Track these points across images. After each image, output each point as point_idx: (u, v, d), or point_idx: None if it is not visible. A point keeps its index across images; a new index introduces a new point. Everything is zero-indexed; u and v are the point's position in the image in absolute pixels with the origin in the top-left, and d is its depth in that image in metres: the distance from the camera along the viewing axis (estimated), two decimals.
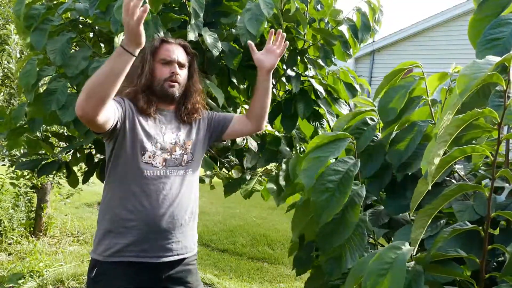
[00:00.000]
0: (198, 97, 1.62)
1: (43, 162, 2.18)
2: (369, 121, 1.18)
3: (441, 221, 0.99)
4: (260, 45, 2.01)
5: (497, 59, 0.65)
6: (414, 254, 0.77)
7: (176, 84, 1.53)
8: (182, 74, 1.55)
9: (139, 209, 1.45)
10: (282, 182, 2.01)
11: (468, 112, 0.70)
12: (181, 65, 1.54)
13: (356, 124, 1.18)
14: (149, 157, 1.47)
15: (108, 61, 1.24)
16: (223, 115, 1.71)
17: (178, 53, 1.53)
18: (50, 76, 1.88)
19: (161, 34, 1.68)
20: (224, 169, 2.42)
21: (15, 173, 3.90)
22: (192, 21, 1.70)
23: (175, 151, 1.54)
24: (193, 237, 1.62)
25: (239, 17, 1.85)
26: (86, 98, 1.23)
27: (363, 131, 1.16)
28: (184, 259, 1.55)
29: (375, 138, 1.19)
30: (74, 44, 2.01)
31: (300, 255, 1.26)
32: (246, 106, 2.59)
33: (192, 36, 1.70)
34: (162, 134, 1.52)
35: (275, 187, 2.02)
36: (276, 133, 2.55)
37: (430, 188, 0.74)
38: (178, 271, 1.54)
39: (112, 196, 1.50)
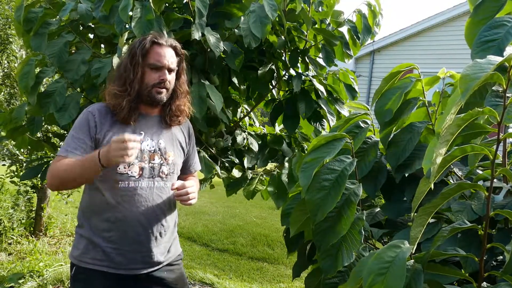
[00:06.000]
0: (184, 99, 1.56)
1: (45, 166, 2.19)
2: (362, 124, 1.20)
3: (439, 223, 1.00)
4: (260, 46, 2.02)
5: (498, 59, 0.65)
6: (413, 253, 0.78)
7: (164, 90, 1.47)
8: (171, 79, 1.49)
9: (112, 220, 1.41)
10: (285, 180, 2.02)
11: (469, 112, 0.70)
12: (170, 70, 1.48)
13: (349, 127, 1.20)
14: (124, 168, 1.41)
15: (80, 165, 1.33)
16: (192, 160, 1.69)
17: (169, 57, 1.46)
18: (52, 77, 1.89)
19: (165, 34, 1.67)
20: (223, 169, 2.43)
21: (15, 172, 3.91)
22: (196, 21, 1.69)
23: (153, 159, 1.47)
24: (172, 244, 1.58)
25: (242, 17, 1.85)
26: (54, 184, 1.39)
27: (355, 134, 1.17)
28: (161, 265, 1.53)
29: (369, 140, 1.21)
30: (74, 44, 2.01)
31: (299, 263, 1.28)
32: (246, 106, 2.60)
33: (196, 35, 1.70)
34: (140, 142, 1.44)
35: (275, 190, 2.03)
36: (278, 131, 2.56)
37: (432, 187, 0.75)
38: (159, 271, 1.51)
39: (89, 203, 1.47)
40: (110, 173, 1.41)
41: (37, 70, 1.84)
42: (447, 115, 0.65)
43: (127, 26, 1.72)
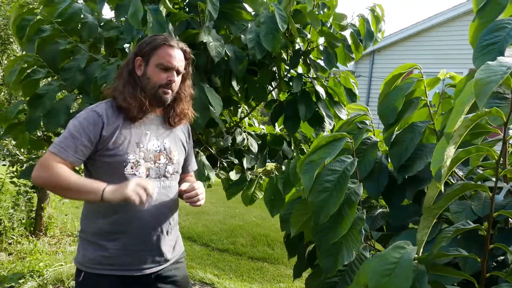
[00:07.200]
0: (188, 103, 1.56)
1: None
2: (359, 125, 1.21)
3: (439, 224, 1.00)
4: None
5: (509, 60, 0.65)
6: (419, 254, 0.77)
7: (170, 91, 1.46)
8: (178, 81, 1.49)
9: (121, 222, 1.40)
10: (280, 187, 2.00)
11: (477, 113, 0.70)
12: (178, 72, 1.48)
13: (348, 129, 1.20)
14: (132, 168, 1.40)
15: (77, 190, 1.30)
16: (190, 160, 1.70)
17: (178, 59, 1.46)
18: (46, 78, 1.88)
19: (172, 36, 1.67)
20: (223, 170, 2.43)
21: (15, 172, 3.91)
22: (206, 23, 1.69)
23: (159, 160, 1.47)
24: (176, 242, 1.58)
25: (249, 25, 1.84)
26: (42, 183, 1.33)
27: (354, 135, 1.18)
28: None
29: (368, 140, 1.21)
30: (70, 50, 2.00)
31: (300, 265, 1.28)
32: (246, 106, 2.60)
33: (205, 38, 1.69)
34: (146, 142, 1.45)
35: (270, 196, 2.02)
36: (278, 130, 2.56)
37: (442, 190, 0.74)
38: (167, 270, 1.52)
39: (95, 206, 1.43)
40: (117, 175, 1.39)
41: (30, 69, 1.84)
42: (457, 116, 0.64)
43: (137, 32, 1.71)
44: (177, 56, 1.45)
